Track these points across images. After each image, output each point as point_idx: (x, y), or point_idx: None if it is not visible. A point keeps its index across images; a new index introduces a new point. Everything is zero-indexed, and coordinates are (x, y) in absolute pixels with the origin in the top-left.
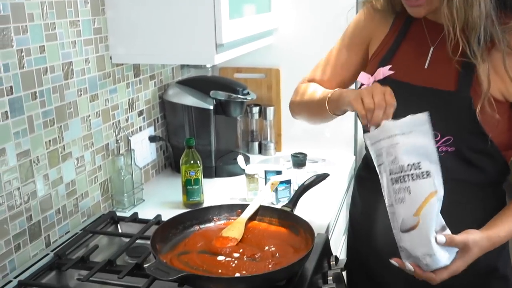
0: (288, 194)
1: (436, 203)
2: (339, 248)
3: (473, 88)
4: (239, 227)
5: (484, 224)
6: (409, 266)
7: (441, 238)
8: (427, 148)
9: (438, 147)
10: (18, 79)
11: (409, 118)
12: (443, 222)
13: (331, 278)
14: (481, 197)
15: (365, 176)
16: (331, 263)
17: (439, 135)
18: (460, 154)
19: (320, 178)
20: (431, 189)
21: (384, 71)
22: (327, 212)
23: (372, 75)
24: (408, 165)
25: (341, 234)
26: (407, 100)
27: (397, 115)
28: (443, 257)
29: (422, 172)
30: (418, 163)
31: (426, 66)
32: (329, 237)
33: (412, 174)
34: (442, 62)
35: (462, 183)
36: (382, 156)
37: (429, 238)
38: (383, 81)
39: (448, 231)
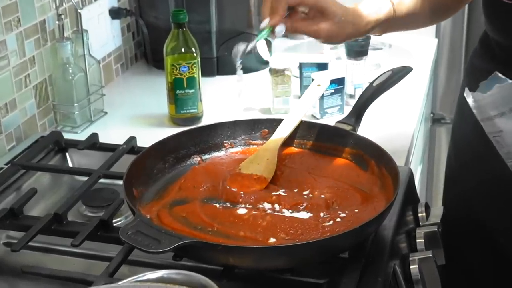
0: (339, 102)
1: None
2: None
3: None
4: (268, 158)
5: None
6: None
7: None
8: None
9: None
10: None
11: (497, 89)
12: None
13: (421, 240)
14: None
15: (485, 68)
16: (420, 215)
17: None
18: None
19: (400, 74)
20: None
21: None
22: (404, 131)
23: None
24: None
25: (417, 163)
26: None
27: None
28: None
29: None
30: None
31: None
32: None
33: None
34: None
35: None
36: None
37: None
38: None
39: None
